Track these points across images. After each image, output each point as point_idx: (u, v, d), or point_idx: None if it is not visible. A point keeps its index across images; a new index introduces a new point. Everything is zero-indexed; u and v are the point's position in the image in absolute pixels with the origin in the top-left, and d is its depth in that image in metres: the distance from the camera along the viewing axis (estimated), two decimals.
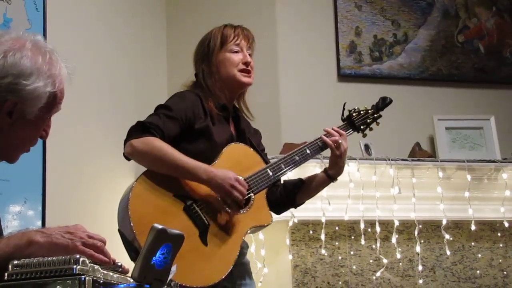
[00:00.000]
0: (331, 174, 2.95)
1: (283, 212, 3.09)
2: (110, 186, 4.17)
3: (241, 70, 2.88)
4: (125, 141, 2.70)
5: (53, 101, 1.79)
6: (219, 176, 2.63)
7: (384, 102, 3.16)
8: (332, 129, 2.95)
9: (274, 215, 2.94)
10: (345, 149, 2.91)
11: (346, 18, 4.92)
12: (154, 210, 2.59)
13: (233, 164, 2.76)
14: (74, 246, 1.60)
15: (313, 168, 3.93)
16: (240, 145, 2.87)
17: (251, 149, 2.89)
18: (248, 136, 2.96)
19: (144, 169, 2.74)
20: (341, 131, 2.94)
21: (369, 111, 3.11)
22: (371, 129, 3.13)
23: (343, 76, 4.85)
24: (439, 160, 4.53)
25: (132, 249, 2.55)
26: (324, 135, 2.94)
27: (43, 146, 3.37)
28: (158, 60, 4.88)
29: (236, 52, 2.90)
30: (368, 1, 4.98)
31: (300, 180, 3.00)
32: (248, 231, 2.77)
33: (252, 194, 2.74)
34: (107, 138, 4.15)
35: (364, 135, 3.13)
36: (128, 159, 2.77)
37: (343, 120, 3.06)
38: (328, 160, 2.98)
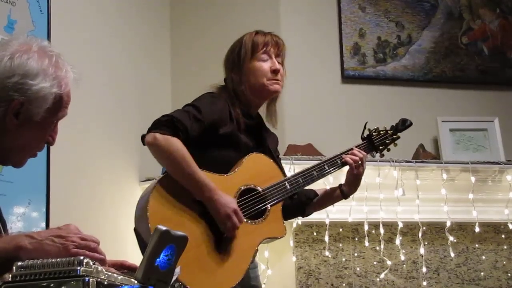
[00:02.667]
0: (345, 191, 2.97)
1: (290, 219, 3.11)
2: (114, 188, 4.18)
3: (270, 78, 2.88)
4: (150, 130, 2.68)
5: (59, 104, 1.80)
6: (220, 201, 2.63)
7: (404, 124, 3.17)
8: (355, 148, 2.96)
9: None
10: (364, 169, 2.93)
11: (350, 19, 4.92)
12: (172, 213, 2.60)
13: (252, 175, 2.78)
14: (65, 251, 1.58)
15: None
16: (261, 156, 2.87)
17: (271, 160, 2.90)
18: (268, 144, 2.96)
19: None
20: (363, 153, 2.96)
21: (389, 132, 3.13)
22: (389, 149, 3.15)
23: (347, 78, 4.85)
24: (443, 162, 4.52)
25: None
26: (345, 152, 2.95)
27: (47, 147, 3.36)
28: (162, 61, 4.89)
29: (265, 60, 2.90)
30: (372, 3, 4.98)
31: (314, 193, 3.02)
32: (262, 242, 2.77)
33: (268, 206, 2.76)
34: (110, 140, 4.16)
35: (382, 155, 3.14)
36: (143, 143, 2.75)
37: (362, 139, 3.07)
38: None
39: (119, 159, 4.25)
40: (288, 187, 2.81)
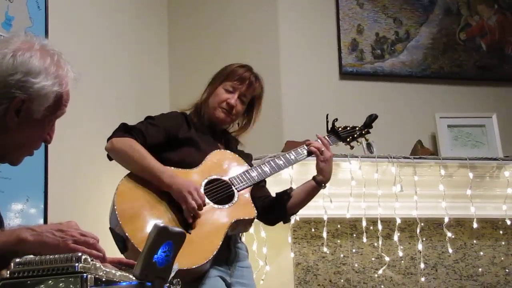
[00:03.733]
0: (319, 180, 3.05)
1: (276, 223, 3.18)
2: (112, 184, 4.17)
3: (222, 108, 3.01)
4: (108, 138, 2.88)
5: (59, 102, 1.81)
6: (179, 182, 2.74)
7: (370, 119, 3.32)
8: (318, 136, 3.09)
9: None
10: (330, 156, 3.03)
11: (348, 16, 4.92)
12: (140, 203, 2.72)
13: (217, 167, 2.90)
14: (65, 244, 1.60)
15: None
16: (223, 151, 3.01)
17: (236, 154, 3.01)
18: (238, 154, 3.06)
19: None
20: (325, 140, 3.07)
21: (357, 128, 3.26)
22: (359, 142, 3.28)
23: (345, 74, 4.85)
24: (441, 158, 4.52)
25: (119, 239, 2.64)
26: (309, 142, 3.07)
27: (45, 144, 3.37)
28: (160, 58, 4.88)
29: (229, 92, 3.02)
30: None
31: (290, 188, 3.11)
32: (233, 223, 2.80)
33: (235, 191, 2.84)
34: (108, 136, 4.15)
35: (351, 147, 3.27)
36: (110, 159, 2.93)
37: (327, 131, 3.20)
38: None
39: None
40: (254, 174, 2.92)
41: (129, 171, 2.85)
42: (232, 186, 2.85)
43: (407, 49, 5.00)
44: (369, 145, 4.41)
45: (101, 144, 4.06)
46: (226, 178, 2.87)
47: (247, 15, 4.83)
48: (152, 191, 2.76)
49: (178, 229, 1.48)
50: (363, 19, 4.95)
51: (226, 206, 2.81)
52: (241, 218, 2.84)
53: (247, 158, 3.11)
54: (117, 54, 4.35)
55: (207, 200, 2.77)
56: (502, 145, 4.71)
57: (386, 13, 5.01)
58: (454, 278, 4.43)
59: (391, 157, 4.38)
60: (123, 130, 2.86)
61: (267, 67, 4.72)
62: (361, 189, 4.27)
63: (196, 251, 2.64)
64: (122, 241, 2.62)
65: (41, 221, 3.34)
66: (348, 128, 3.23)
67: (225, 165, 2.94)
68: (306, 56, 4.79)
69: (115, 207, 2.67)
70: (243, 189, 2.87)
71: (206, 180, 2.84)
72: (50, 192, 3.43)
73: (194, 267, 2.62)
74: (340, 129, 3.20)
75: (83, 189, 3.84)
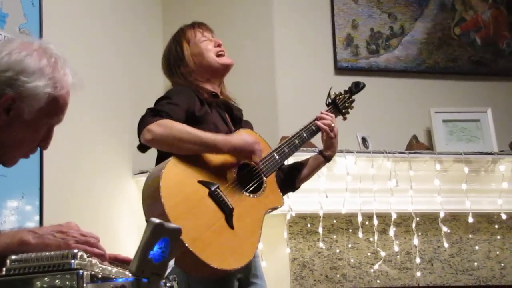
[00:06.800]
0: (327, 155, 3.06)
1: (283, 195, 3.15)
2: (107, 180, 4.18)
3: (218, 55, 2.96)
4: (140, 130, 2.70)
5: (54, 106, 1.78)
6: (239, 140, 2.73)
7: (357, 87, 3.31)
8: (322, 113, 3.08)
9: None
10: (337, 130, 3.04)
11: (343, 11, 4.92)
12: (184, 198, 2.61)
13: None
14: (66, 245, 1.60)
15: None
16: (248, 130, 2.96)
17: (257, 134, 2.97)
18: (242, 125, 3.02)
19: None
20: (331, 115, 3.08)
21: (346, 95, 3.25)
22: (348, 112, 3.25)
23: (340, 69, 4.85)
24: (436, 153, 4.54)
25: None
26: (315, 119, 3.05)
27: (40, 150, 3.37)
28: (154, 56, 4.86)
29: (205, 41, 2.98)
30: None
31: (297, 163, 3.11)
32: (266, 213, 2.82)
33: (264, 178, 2.82)
34: (104, 133, 4.15)
35: (345, 119, 3.25)
36: (143, 151, 2.80)
37: (327, 104, 3.18)
38: None
39: (112, 152, 4.24)
40: (277, 157, 2.89)
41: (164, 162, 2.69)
42: (261, 173, 2.83)
43: (402, 44, 5.00)
44: (364, 140, 4.42)
45: (95, 140, 4.07)
46: (254, 163, 2.83)
47: (242, 12, 4.83)
48: (192, 182, 2.66)
49: (174, 225, 1.48)
50: (357, 15, 4.95)
51: (258, 194, 2.79)
52: (272, 207, 2.86)
53: (247, 125, 3.09)
54: (111, 49, 4.34)
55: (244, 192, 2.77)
56: (497, 139, 4.72)
57: (381, 8, 5.01)
58: (450, 272, 4.44)
59: (386, 152, 4.38)
60: (152, 115, 2.70)
61: (262, 63, 4.73)
62: (356, 184, 4.27)
63: (240, 250, 2.65)
64: None
65: (37, 218, 3.34)
66: (341, 97, 3.21)
67: None
68: (301, 51, 4.79)
69: (162, 200, 2.52)
70: (270, 174, 2.86)
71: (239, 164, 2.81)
72: (46, 189, 3.43)
73: (242, 265, 2.63)
74: (337, 98, 3.20)
75: (78, 185, 3.84)
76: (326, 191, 4.12)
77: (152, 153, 2.81)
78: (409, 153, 4.46)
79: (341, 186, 4.23)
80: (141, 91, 4.54)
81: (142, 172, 4.26)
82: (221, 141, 2.70)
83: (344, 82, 4.84)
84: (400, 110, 4.85)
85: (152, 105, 2.81)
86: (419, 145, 4.62)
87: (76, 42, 3.87)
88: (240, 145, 2.73)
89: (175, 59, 2.98)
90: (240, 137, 2.76)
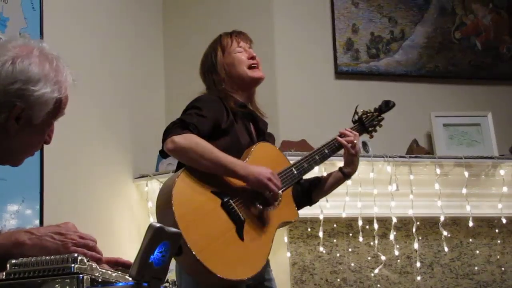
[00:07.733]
0: (347, 172, 3.08)
1: (299, 209, 3.16)
2: (108, 184, 4.18)
3: (250, 67, 2.99)
4: (165, 138, 2.75)
5: (59, 107, 1.81)
6: (256, 171, 2.74)
7: (387, 106, 3.32)
8: (346, 130, 3.09)
9: None
10: (359, 148, 3.07)
11: (343, 15, 4.92)
12: (195, 208, 2.66)
13: (264, 162, 2.86)
14: (65, 248, 1.60)
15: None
16: (268, 144, 3.00)
17: (276, 148, 3.03)
18: (266, 138, 3.07)
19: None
20: (355, 132, 3.09)
21: (374, 114, 3.26)
22: (376, 131, 3.28)
23: (340, 74, 4.85)
24: (437, 157, 4.53)
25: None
26: (339, 136, 3.06)
27: (44, 144, 3.37)
28: (155, 58, 4.88)
29: (240, 52, 3.01)
30: None
31: (317, 178, 3.13)
32: (278, 227, 2.85)
33: (280, 192, 2.84)
34: (104, 137, 4.16)
35: (371, 137, 3.29)
36: (164, 157, 2.85)
37: (354, 121, 3.22)
38: None
39: (113, 156, 4.24)
40: (295, 172, 2.92)
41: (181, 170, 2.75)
42: None
43: (402, 48, 5.00)
44: (364, 144, 4.42)
45: (96, 143, 4.07)
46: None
47: (242, 15, 4.83)
48: (205, 191, 2.71)
49: (174, 229, 1.48)
50: (358, 19, 4.95)
51: (272, 207, 2.81)
52: (286, 221, 2.90)
53: (270, 138, 3.12)
54: (112, 51, 4.35)
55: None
56: (498, 143, 4.72)
57: (381, 12, 5.01)
58: (450, 277, 4.44)
59: (386, 156, 4.38)
60: (179, 126, 2.74)
61: (263, 66, 4.72)
62: (357, 188, 4.27)
63: (248, 261, 2.68)
64: (179, 248, 2.58)
65: (37, 221, 3.34)
66: (369, 115, 3.23)
67: (271, 160, 2.92)
68: (301, 55, 4.79)
69: (173, 208, 2.58)
70: (286, 189, 2.88)
71: None
72: (46, 193, 3.43)
73: (249, 277, 2.66)
74: (363, 117, 3.21)
75: (79, 189, 3.84)
76: (327, 195, 4.12)
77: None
78: (410, 157, 4.46)
79: (341, 190, 4.20)
80: (142, 95, 4.55)
81: (143, 176, 4.27)
82: (240, 169, 2.73)
83: (345, 86, 4.88)
84: (401, 114, 4.83)
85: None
86: (419, 149, 4.62)
87: (76, 46, 3.88)
88: (256, 178, 2.73)
89: (209, 65, 3.02)
90: (258, 170, 2.75)
